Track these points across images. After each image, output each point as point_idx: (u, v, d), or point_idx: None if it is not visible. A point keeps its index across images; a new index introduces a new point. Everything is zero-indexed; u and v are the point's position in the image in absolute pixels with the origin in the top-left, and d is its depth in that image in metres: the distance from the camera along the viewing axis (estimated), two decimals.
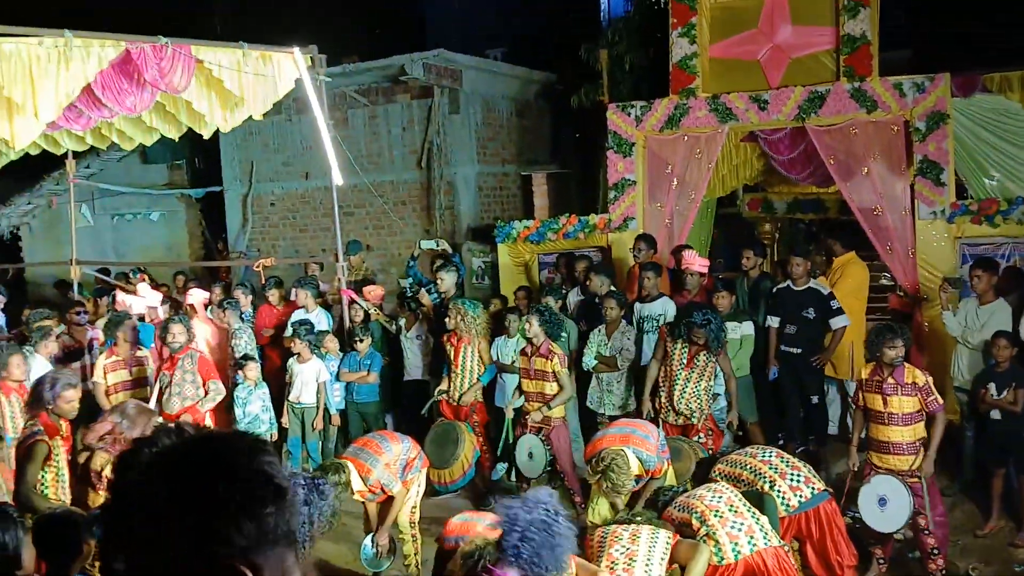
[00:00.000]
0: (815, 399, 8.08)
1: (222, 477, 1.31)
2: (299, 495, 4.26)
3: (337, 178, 8.88)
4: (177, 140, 9.55)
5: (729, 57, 9.51)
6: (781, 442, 8.28)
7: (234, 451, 1.37)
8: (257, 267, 9.89)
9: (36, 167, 12.83)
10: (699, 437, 6.90)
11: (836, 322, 7.82)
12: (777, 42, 9.26)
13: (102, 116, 7.64)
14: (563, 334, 7.81)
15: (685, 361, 7.01)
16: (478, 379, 7.72)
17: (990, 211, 8.24)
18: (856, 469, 6.30)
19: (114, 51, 6.63)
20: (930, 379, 6.08)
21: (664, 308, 8.05)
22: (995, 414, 6.74)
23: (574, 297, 8.98)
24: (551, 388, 7.19)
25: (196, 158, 14.64)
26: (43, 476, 5.32)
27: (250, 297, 9.51)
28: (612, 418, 7.66)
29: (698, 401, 7.02)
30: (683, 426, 7.08)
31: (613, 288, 8.23)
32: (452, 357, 7.71)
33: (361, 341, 8.39)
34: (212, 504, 1.29)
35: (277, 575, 1.33)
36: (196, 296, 9.01)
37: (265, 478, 1.34)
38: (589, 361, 7.79)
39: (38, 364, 7.10)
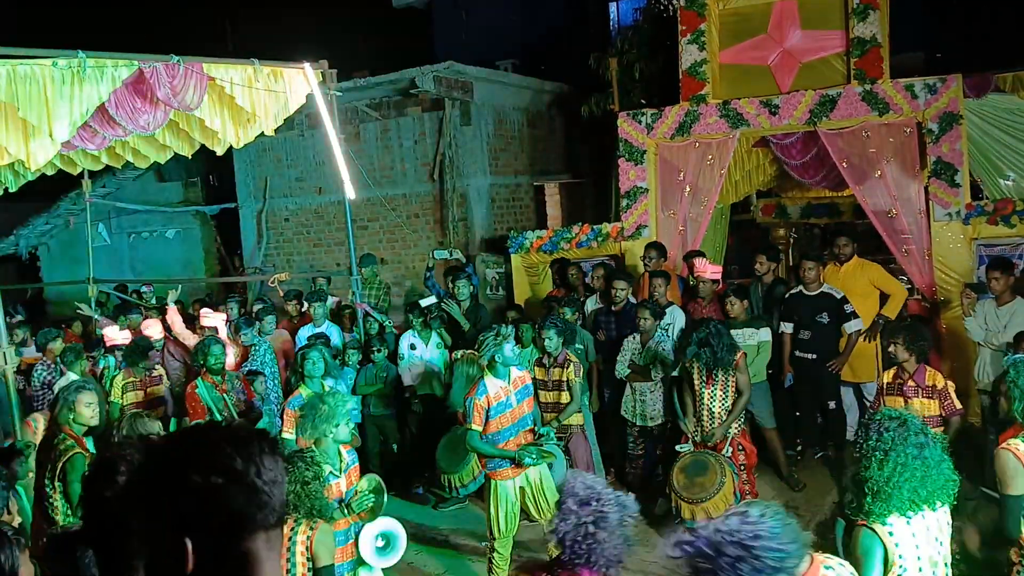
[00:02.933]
0: (832, 404, 8.03)
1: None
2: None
3: (350, 192, 8.92)
4: (191, 158, 9.61)
5: (739, 63, 9.50)
6: (799, 448, 8.25)
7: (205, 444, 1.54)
8: (272, 282, 9.92)
9: (53, 188, 12.97)
10: (727, 451, 6.76)
11: (850, 326, 7.77)
12: (787, 47, 9.25)
13: (116, 135, 7.69)
14: (579, 345, 7.79)
15: (705, 378, 6.87)
16: None
17: (1006, 211, 8.18)
18: None
19: (127, 70, 6.69)
20: (950, 384, 6.03)
21: (673, 317, 8.01)
22: None
23: (590, 306, 8.94)
24: (567, 398, 7.18)
25: (210, 175, 14.76)
26: (58, 489, 5.22)
27: (273, 316, 9.46)
28: (645, 428, 7.66)
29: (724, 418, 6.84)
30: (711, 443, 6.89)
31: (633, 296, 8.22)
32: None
33: (378, 352, 8.41)
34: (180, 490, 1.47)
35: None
36: (213, 319, 9.02)
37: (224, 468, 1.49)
38: (622, 370, 7.72)
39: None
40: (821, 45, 9.11)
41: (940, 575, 3.34)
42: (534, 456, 5.95)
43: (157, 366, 8.31)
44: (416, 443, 8.51)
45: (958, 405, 6.03)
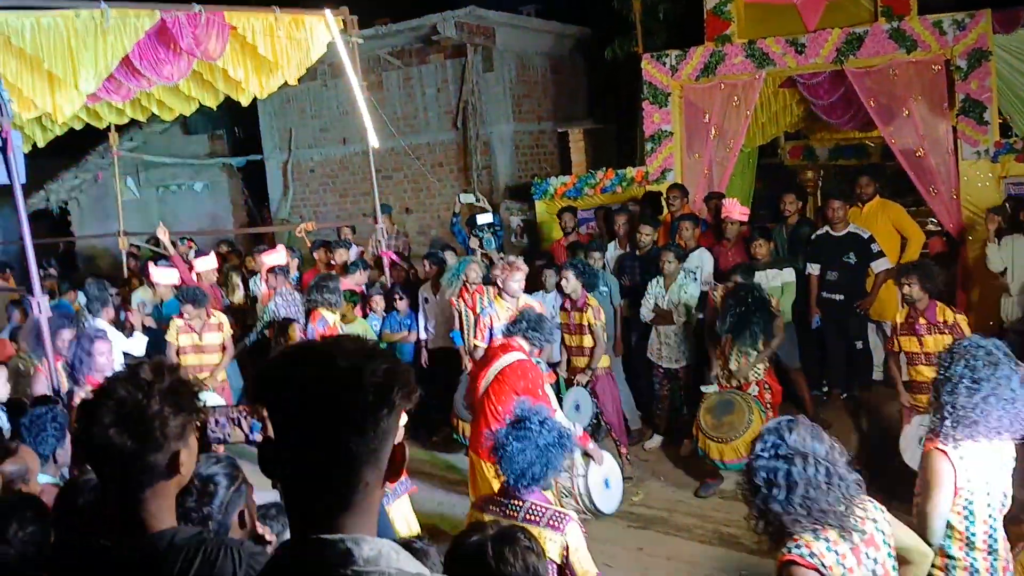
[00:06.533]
0: (859, 345, 8.02)
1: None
2: None
3: (373, 141, 8.93)
4: (216, 109, 9.66)
5: (764, 1, 9.33)
6: (826, 388, 8.27)
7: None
8: (299, 232, 10.00)
9: (81, 143, 13.09)
10: (753, 389, 6.77)
11: (878, 265, 7.72)
12: None
13: (140, 86, 7.76)
14: (603, 287, 7.80)
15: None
16: None
17: None
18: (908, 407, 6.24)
19: (149, 20, 6.71)
20: (960, 317, 6.01)
21: (700, 259, 8.00)
22: None
23: (613, 251, 8.93)
24: (590, 341, 7.22)
25: (236, 127, 14.80)
26: None
27: (296, 261, 9.55)
28: (669, 371, 7.70)
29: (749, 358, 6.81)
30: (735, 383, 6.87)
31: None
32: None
33: (401, 299, 8.48)
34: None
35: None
36: (202, 264, 9.09)
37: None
38: (646, 313, 7.74)
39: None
40: None
41: (1003, 503, 3.37)
42: None
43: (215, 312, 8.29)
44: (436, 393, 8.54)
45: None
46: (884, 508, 2.81)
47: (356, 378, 1.44)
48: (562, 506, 4.92)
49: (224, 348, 7.92)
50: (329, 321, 6.96)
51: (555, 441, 3.71)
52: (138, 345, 7.91)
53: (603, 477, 5.46)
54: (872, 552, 2.66)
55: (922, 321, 6.00)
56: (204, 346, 7.83)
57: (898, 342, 6.19)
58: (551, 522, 3.58)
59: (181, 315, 7.81)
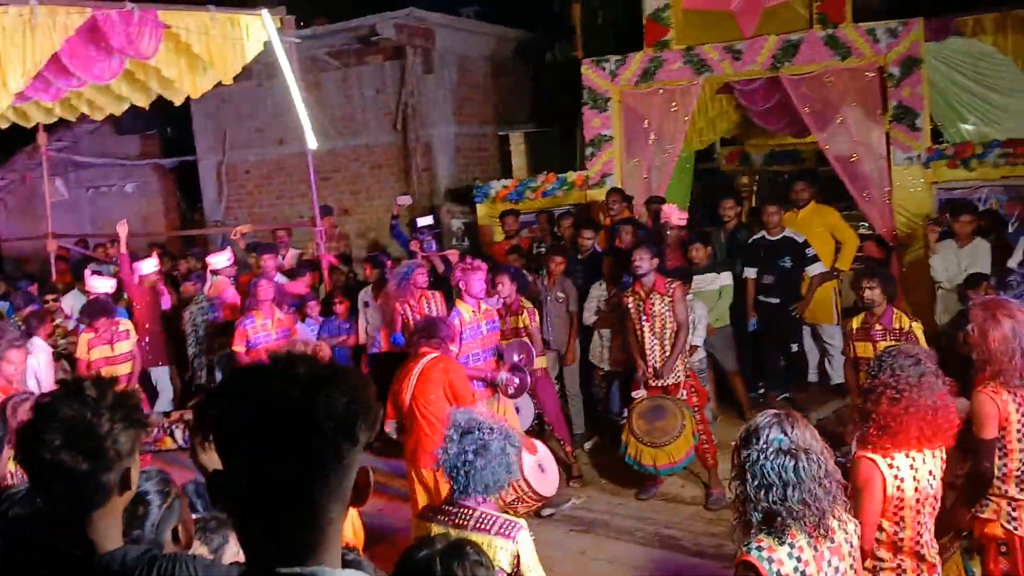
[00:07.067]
0: (795, 347, 8.14)
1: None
2: None
3: (311, 142, 8.80)
4: (148, 109, 9.43)
5: (702, 8, 9.45)
6: (762, 390, 8.39)
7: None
8: (235, 235, 9.82)
9: (8, 142, 12.68)
10: (682, 394, 6.76)
11: (812, 269, 7.84)
12: None
13: (71, 86, 7.54)
14: (560, 293, 7.78)
15: (643, 309, 6.71)
16: None
17: (965, 155, 8.28)
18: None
19: (80, 18, 6.54)
20: (916, 325, 6.06)
21: None
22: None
23: None
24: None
25: (168, 128, 14.48)
26: None
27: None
28: (609, 373, 7.70)
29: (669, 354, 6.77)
30: (663, 387, 6.77)
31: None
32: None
33: (340, 303, 8.38)
34: None
35: None
36: (146, 266, 8.84)
37: None
38: (588, 316, 7.74)
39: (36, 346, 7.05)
40: None
41: (934, 507, 3.41)
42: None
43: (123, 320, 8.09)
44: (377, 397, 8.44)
45: (925, 346, 6.07)
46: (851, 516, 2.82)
47: (313, 415, 1.32)
48: (504, 501, 4.88)
49: (135, 356, 7.81)
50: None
51: (505, 443, 3.68)
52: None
53: (535, 463, 5.48)
54: (836, 561, 2.66)
55: (878, 327, 5.97)
56: (116, 356, 7.66)
57: (853, 348, 6.10)
58: (501, 530, 3.55)
59: (90, 328, 7.59)
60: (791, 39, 8.84)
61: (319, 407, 1.33)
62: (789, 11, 9.07)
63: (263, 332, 7.48)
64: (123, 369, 7.62)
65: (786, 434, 2.62)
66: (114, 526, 1.91)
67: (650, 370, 6.72)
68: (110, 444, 1.83)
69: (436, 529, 3.54)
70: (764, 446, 2.62)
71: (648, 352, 6.71)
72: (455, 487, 3.62)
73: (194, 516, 2.61)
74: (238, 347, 7.52)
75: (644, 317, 6.67)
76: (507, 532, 3.55)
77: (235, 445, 1.36)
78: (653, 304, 6.67)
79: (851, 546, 2.71)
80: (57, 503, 1.88)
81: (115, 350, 7.63)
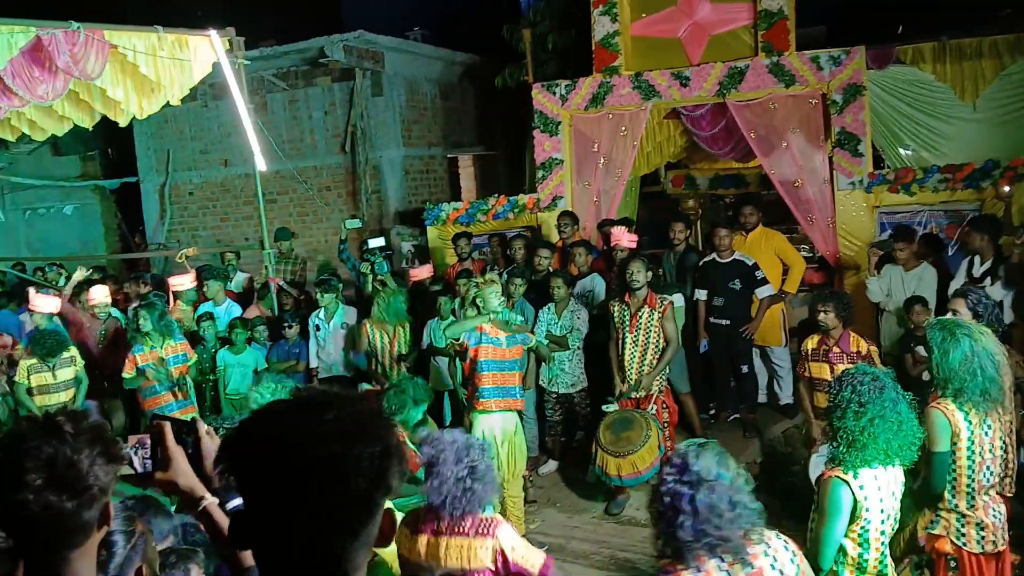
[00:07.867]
0: (744, 368, 8.24)
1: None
2: None
3: (260, 164, 8.69)
4: (89, 130, 9.22)
5: (650, 35, 9.60)
6: (713, 411, 8.47)
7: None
8: (180, 258, 9.63)
9: None
10: (652, 408, 6.82)
11: (762, 292, 7.96)
12: (697, 19, 9.38)
13: (12, 105, 7.31)
14: (519, 318, 7.72)
15: (628, 321, 6.87)
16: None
17: (906, 179, 8.50)
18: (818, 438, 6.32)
19: (24, 38, 6.36)
20: (873, 349, 6.18)
21: (593, 284, 8.10)
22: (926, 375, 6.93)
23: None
24: None
25: (110, 148, 14.20)
26: None
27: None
28: (561, 396, 7.72)
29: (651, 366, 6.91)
30: (636, 399, 6.98)
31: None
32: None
33: (290, 328, 8.27)
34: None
35: None
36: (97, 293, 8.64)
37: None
38: (540, 340, 7.75)
39: None
40: (730, 17, 9.26)
41: (893, 528, 3.48)
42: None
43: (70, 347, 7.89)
44: None
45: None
46: (789, 540, 2.79)
47: (344, 472, 1.29)
48: None
49: (80, 381, 7.71)
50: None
51: (486, 458, 3.71)
52: None
53: None
54: None
55: (836, 349, 6.08)
56: (57, 384, 7.55)
57: (808, 368, 6.24)
58: (479, 530, 3.56)
59: (30, 353, 7.49)
60: (737, 66, 9.01)
61: (349, 463, 1.30)
62: (735, 39, 9.25)
63: (152, 358, 7.46)
64: (65, 397, 7.48)
65: (688, 465, 2.65)
66: (89, 565, 1.84)
67: (625, 385, 6.86)
68: (92, 480, 1.76)
69: (422, 539, 3.63)
70: (666, 476, 2.68)
71: (627, 362, 6.85)
72: (452, 514, 3.58)
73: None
74: (127, 373, 7.49)
75: (628, 328, 6.80)
76: (485, 531, 3.57)
77: (260, 492, 1.32)
78: (640, 317, 6.82)
79: (779, 572, 2.68)
80: (33, 546, 1.78)
81: (56, 377, 7.47)
